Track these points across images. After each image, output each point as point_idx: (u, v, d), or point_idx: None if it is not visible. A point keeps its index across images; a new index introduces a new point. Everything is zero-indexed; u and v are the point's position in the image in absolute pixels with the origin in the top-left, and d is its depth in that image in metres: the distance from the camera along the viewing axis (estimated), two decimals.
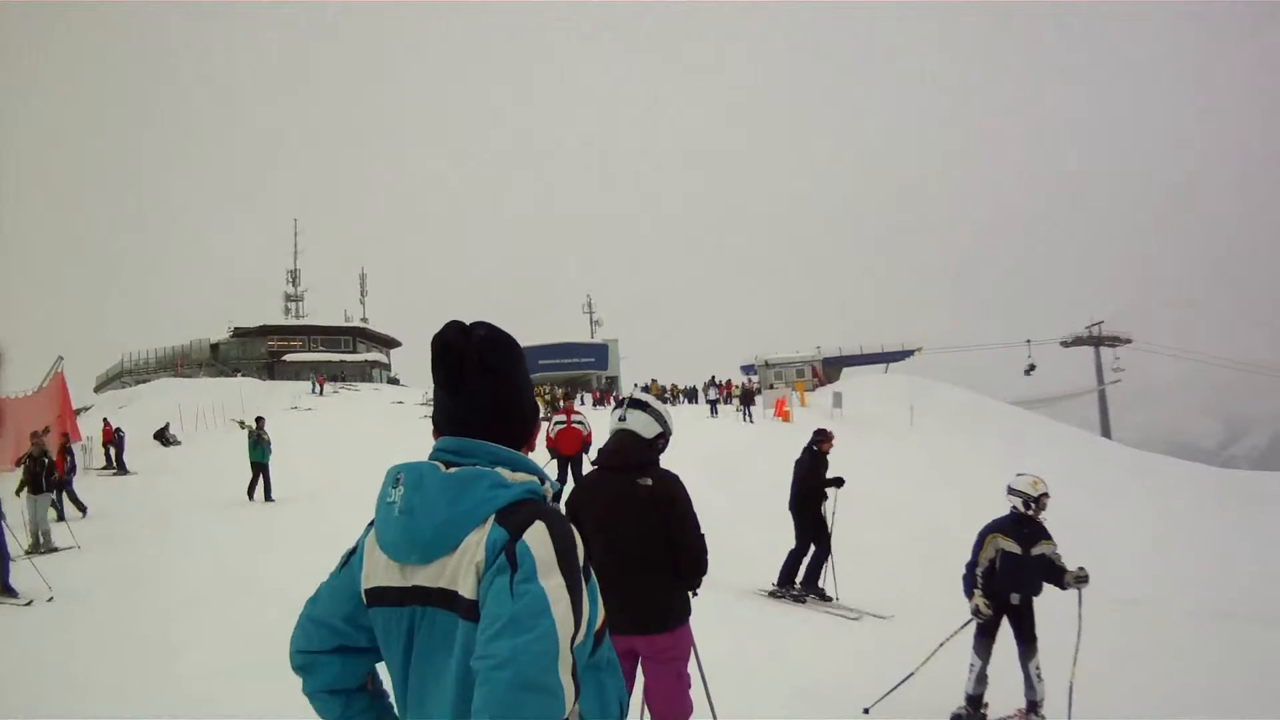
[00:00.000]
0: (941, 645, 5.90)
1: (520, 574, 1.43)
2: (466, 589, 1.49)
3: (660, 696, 3.72)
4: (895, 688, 5.73)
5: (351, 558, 1.72)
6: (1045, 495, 5.74)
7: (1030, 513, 5.71)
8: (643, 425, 3.90)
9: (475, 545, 1.49)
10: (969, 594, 5.71)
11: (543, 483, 1.64)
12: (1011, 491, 5.83)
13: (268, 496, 16.14)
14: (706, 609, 4.35)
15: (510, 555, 1.45)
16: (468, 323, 1.72)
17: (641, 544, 3.68)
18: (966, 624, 5.84)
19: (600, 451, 3.97)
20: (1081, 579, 5.51)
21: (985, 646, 5.69)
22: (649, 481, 3.73)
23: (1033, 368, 56.13)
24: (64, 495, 14.67)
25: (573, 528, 1.54)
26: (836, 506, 9.48)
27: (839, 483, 9.32)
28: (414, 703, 1.60)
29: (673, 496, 3.72)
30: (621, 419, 3.94)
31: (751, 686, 5.89)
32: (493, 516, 1.51)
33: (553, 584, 1.43)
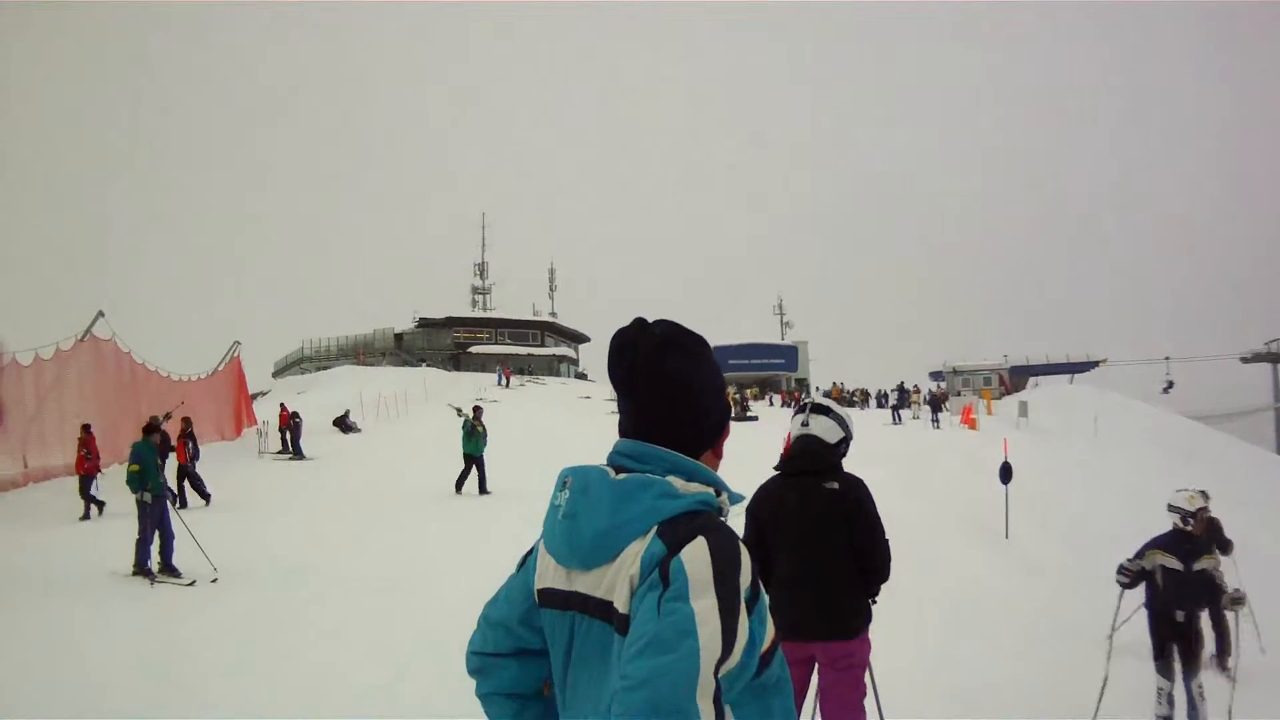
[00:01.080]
0: (1111, 641, 5.80)
1: (671, 592, 1.35)
2: (621, 602, 1.42)
3: (836, 704, 3.70)
4: (1100, 700, 5.51)
5: (528, 559, 1.69)
6: (1203, 510, 5.69)
7: (1189, 529, 5.64)
8: (826, 430, 3.88)
9: (633, 557, 1.42)
10: (1120, 574, 5.64)
11: (719, 494, 1.55)
12: (1170, 508, 5.80)
13: (482, 489, 15.35)
14: (887, 616, 4.28)
15: (664, 571, 1.37)
16: (650, 320, 1.62)
17: (827, 549, 3.69)
18: (1121, 611, 5.80)
19: (784, 457, 3.96)
20: (1238, 600, 5.44)
21: (1166, 667, 5.59)
22: (835, 485, 3.73)
23: (1170, 385, 53.55)
24: (184, 482, 14.27)
25: (741, 545, 1.44)
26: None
27: None
28: (570, 711, 1.56)
29: (859, 500, 3.73)
30: (805, 424, 3.91)
31: (921, 693, 5.83)
32: (655, 528, 1.43)
33: (703, 605, 1.33)
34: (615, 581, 1.43)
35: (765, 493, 3.91)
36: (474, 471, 15.30)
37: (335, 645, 6.71)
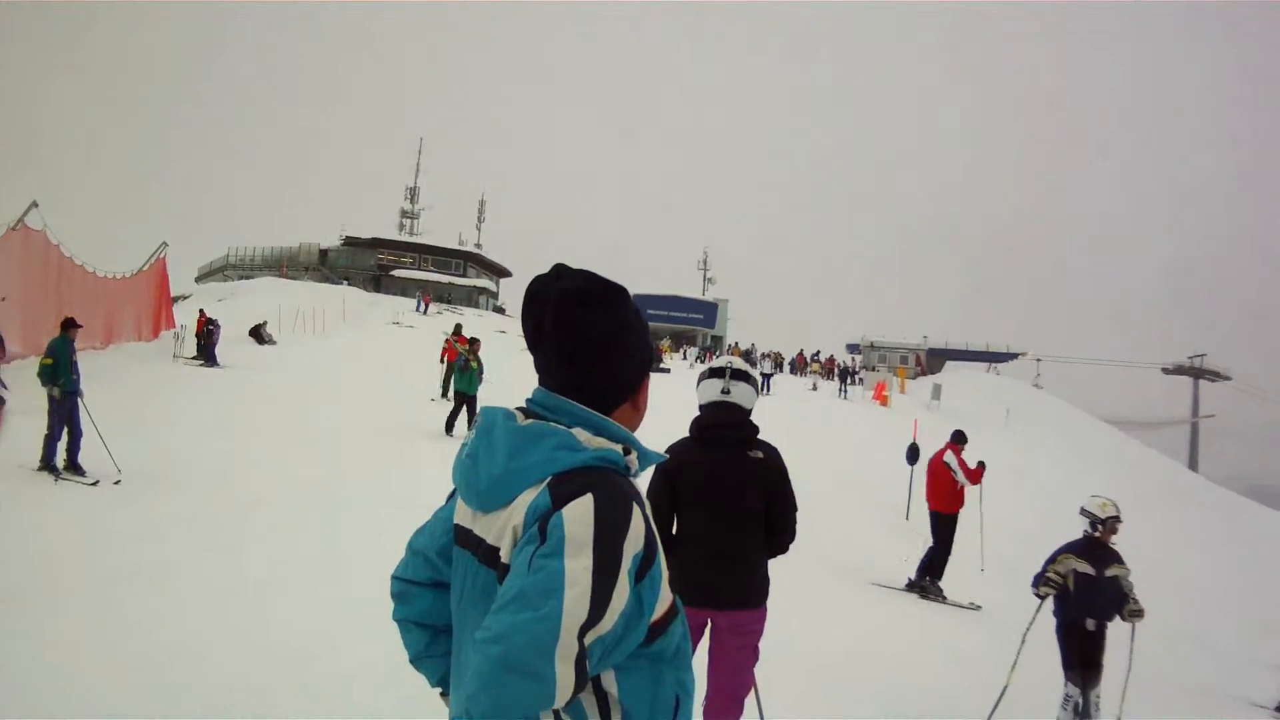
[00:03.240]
0: (1021, 648, 5.71)
1: (545, 548, 1.31)
2: (505, 551, 1.41)
3: (730, 671, 3.65)
4: (998, 703, 5.62)
5: (454, 493, 1.64)
6: (1115, 519, 5.67)
7: (1099, 535, 5.65)
8: (746, 397, 3.81)
9: (521, 508, 1.39)
10: (1035, 583, 5.68)
11: (628, 452, 1.49)
12: (1083, 512, 5.80)
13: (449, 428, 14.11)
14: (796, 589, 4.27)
15: (543, 526, 1.34)
16: (567, 268, 1.56)
17: (742, 518, 3.64)
18: (1038, 612, 5.74)
19: (700, 423, 3.83)
20: (1136, 613, 5.49)
21: (1076, 674, 5.53)
22: (760, 455, 3.67)
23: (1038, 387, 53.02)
24: None
25: (635, 507, 1.39)
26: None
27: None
28: (457, 650, 1.56)
29: (783, 471, 3.69)
30: (725, 391, 3.80)
31: (797, 665, 5.71)
32: (549, 480, 1.39)
33: (577, 565, 1.29)
34: (504, 530, 1.42)
35: (681, 453, 3.79)
36: (464, 412, 14.06)
37: (235, 555, 6.64)
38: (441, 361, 17.90)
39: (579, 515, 1.33)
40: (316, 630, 5.22)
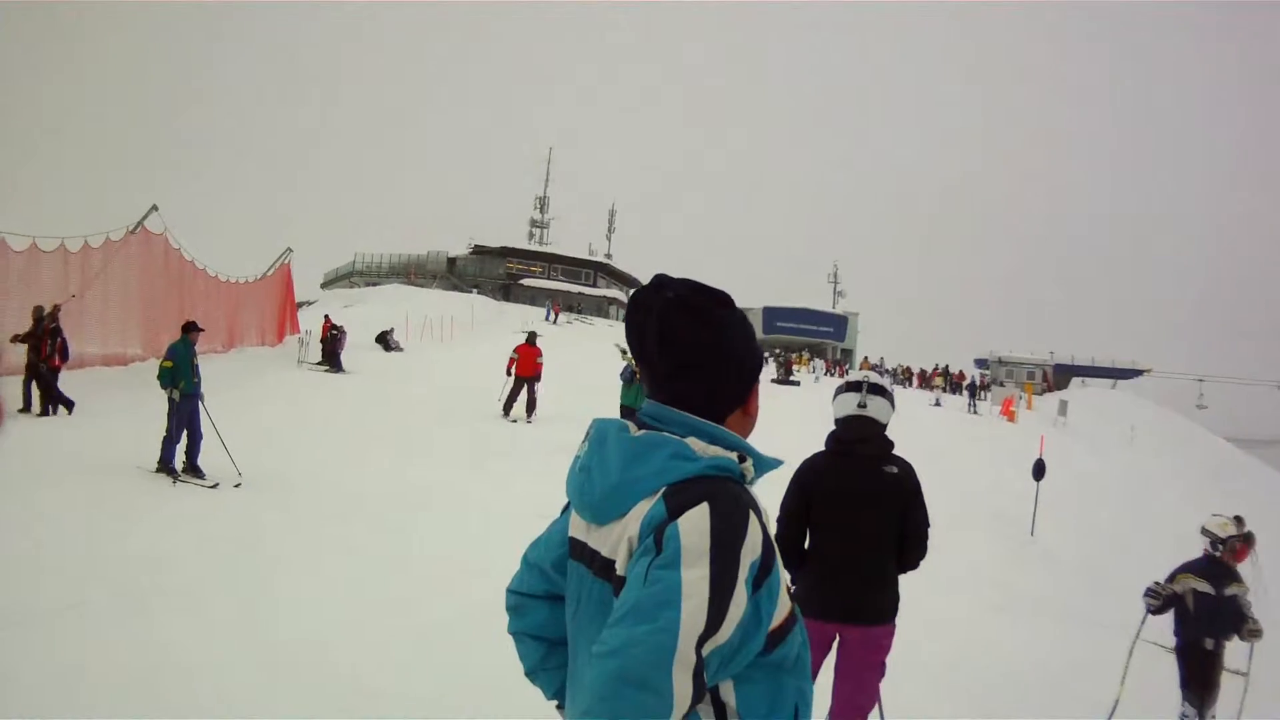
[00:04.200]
0: (1129, 658, 5.72)
1: (661, 559, 1.29)
2: (620, 563, 1.39)
3: (855, 687, 3.64)
4: (1113, 713, 5.55)
5: (569, 505, 1.63)
6: (1235, 539, 5.57)
7: (1219, 555, 5.53)
8: (881, 411, 3.81)
9: (636, 519, 1.38)
10: (1146, 593, 5.56)
11: (742, 460, 1.45)
12: (1203, 532, 5.69)
13: None
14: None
15: (659, 537, 1.31)
16: (672, 278, 1.53)
17: (876, 533, 3.64)
18: (1143, 624, 5.74)
19: (837, 437, 3.86)
20: (1255, 633, 5.35)
21: (1194, 695, 5.37)
22: (894, 470, 3.67)
23: (1203, 407, 51.71)
24: (34, 383, 11.71)
25: (753, 516, 1.36)
26: None
27: None
28: (573, 667, 1.55)
29: (917, 487, 3.68)
30: (862, 405, 3.80)
31: (934, 686, 5.77)
32: (663, 490, 1.37)
33: (693, 575, 1.26)
34: (619, 542, 1.40)
35: (816, 466, 3.83)
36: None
37: (356, 559, 6.75)
38: (508, 374, 15.84)
39: (695, 525, 1.30)
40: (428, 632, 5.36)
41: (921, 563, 3.74)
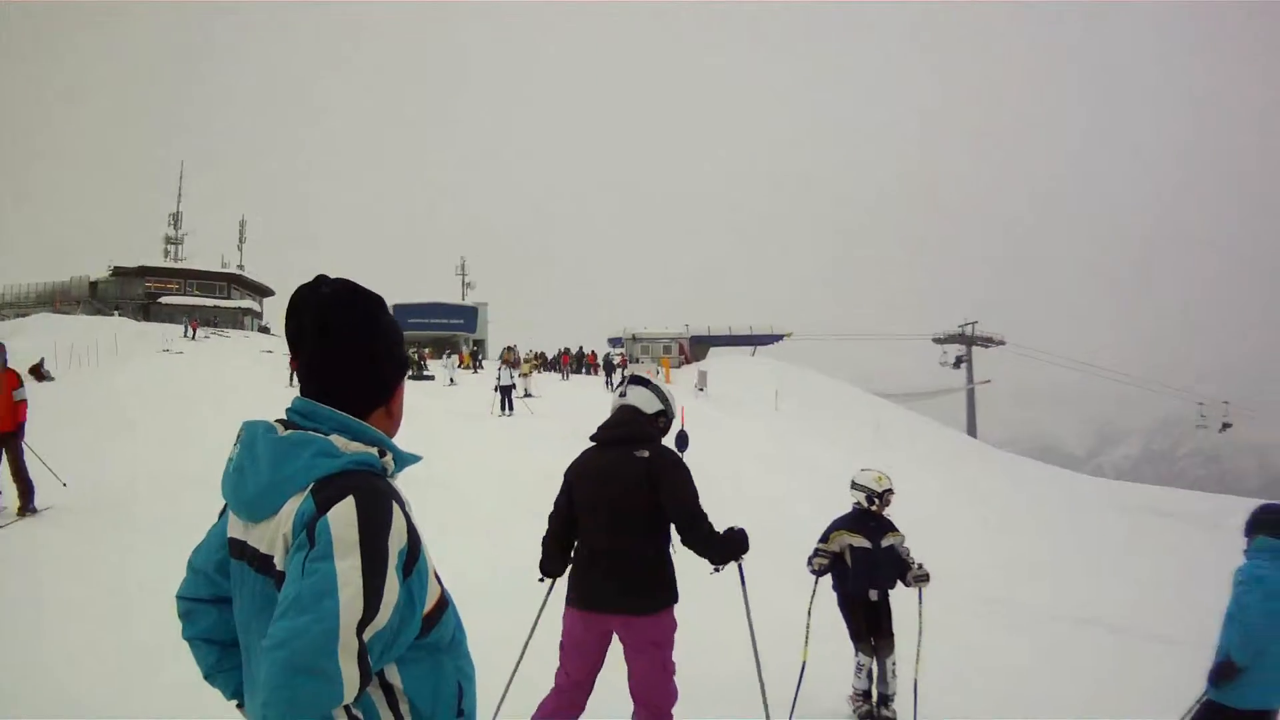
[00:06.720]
0: (808, 625, 5.43)
1: (315, 552, 1.40)
2: (278, 559, 1.49)
3: (639, 683, 3.62)
4: (800, 680, 5.27)
5: (227, 508, 1.69)
6: (889, 491, 5.60)
7: (874, 508, 5.58)
8: (644, 401, 3.91)
9: (288, 515, 1.48)
10: (810, 561, 5.56)
11: (383, 454, 1.60)
12: (855, 486, 5.68)
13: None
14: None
15: (311, 531, 1.42)
16: (331, 278, 1.67)
17: (629, 519, 3.63)
18: (816, 588, 5.61)
19: (600, 425, 3.95)
20: (921, 578, 5.38)
21: (865, 645, 5.52)
22: (646, 454, 3.69)
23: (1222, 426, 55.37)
24: None
25: (395, 505, 1.50)
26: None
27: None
28: (247, 664, 1.64)
29: (664, 466, 3.66)
30: (622, 394, 3.97)
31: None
32: (311, 486, 1.49)
33: (346, 565, 1.38)
34: (275, 538, 1.49)
35: (577, 460, 3.88)
36: None
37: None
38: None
39: (343, 517, 1.41)
40: None
41: (714, 541, 3.61)
